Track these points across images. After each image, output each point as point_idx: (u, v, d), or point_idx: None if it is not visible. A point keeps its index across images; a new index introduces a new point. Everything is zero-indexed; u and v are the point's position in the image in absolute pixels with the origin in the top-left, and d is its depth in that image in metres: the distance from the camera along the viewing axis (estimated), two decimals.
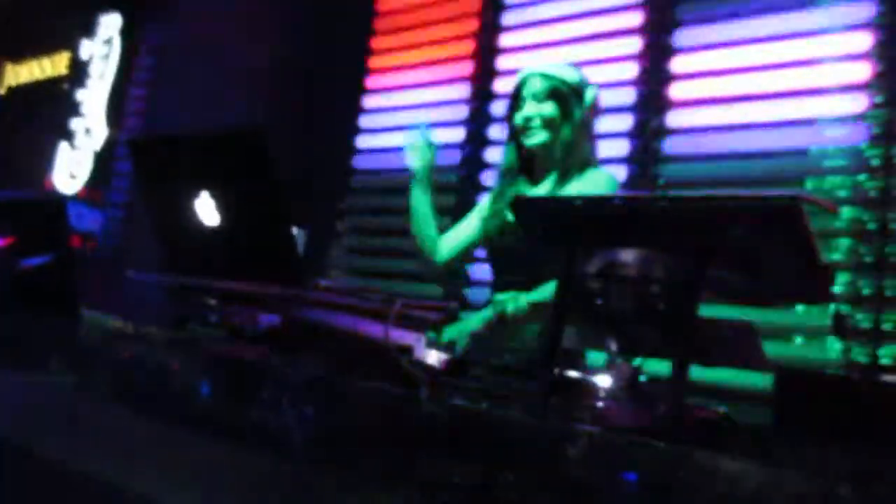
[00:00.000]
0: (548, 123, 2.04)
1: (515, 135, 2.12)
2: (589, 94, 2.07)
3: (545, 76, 2.06)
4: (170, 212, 1.46)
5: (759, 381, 2.26)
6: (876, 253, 2.72)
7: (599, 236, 1.05)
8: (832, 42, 2.92)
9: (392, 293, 1.30)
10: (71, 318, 1.61)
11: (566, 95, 2.04)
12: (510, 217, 2.03)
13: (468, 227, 2.22)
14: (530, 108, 2.06)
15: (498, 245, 2.10)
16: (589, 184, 2.02)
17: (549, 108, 2.05)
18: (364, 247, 4.34)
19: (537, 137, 2.06)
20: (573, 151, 2.04)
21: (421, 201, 2.17)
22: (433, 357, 1.28)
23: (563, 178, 2.05)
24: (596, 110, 2.10)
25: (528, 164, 2.14)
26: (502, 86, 3.82)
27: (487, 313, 1.92)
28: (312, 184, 4.54)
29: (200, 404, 1.30)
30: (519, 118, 2.08)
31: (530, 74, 2.09)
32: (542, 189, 2.09)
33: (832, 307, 0.85)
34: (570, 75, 2.07)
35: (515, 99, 2.11)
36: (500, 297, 1.96)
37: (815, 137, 2.89)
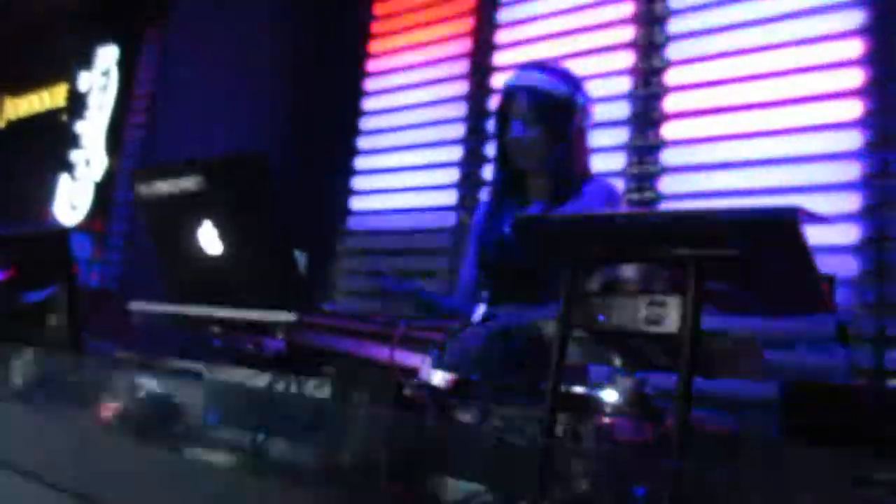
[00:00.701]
0: (537, 146, 1.99)
1: (505, 152, 2.06)
2: (579, 104, 1.99)
3: (531, 92, 1.97)
4: (173, 241, 1.47)
5: (765, 390, 2.25)
6: (876, 258, 2.72)
7: (600, 253, 1.05)
8: (824, 49, 2.93)
9: (395, 315, 1.31)
10: (75, 350, 1.61)
11: (555, 113, 1.96)
12: (506, 232, 2.03)
13: (468, 268, 2.18)
14: (518, 130, 1.98)
15: (494, 261, 2.07)
16: (588, 198, 1.99)
17: (537, 132, 1.97)
18: (365, 268, 4.34)
19: (528, 161, 2.02)
20: (566, 168, 1.99)
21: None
22: (438, 378, 1.28)
23: (559, 192, 2.00)
24: (588, 119, 2.01)
25: (520, 179, 2.10)
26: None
27: (489, 330, 1.90)
28: (311, 207, 4.56)
29: (207, 433, 1.30)
30: (508, 140, 2.02)
31: (516, 89, 2.00)
32: (538, 206, 2.06)
33: (834, 316, 0.85)
34: (558, 89, 1.97)
35: (503, 115, 2.03)
36: (501, 313, 1.96)
37: (811, 145, 2.91)
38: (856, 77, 2.85)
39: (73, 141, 4.90)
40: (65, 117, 5.24)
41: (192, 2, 4.49)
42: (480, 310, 2.14)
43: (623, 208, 2.09)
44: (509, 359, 1.90)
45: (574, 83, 2.01)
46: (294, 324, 1.20)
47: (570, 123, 1.97)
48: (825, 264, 0.91)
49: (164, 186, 1.43)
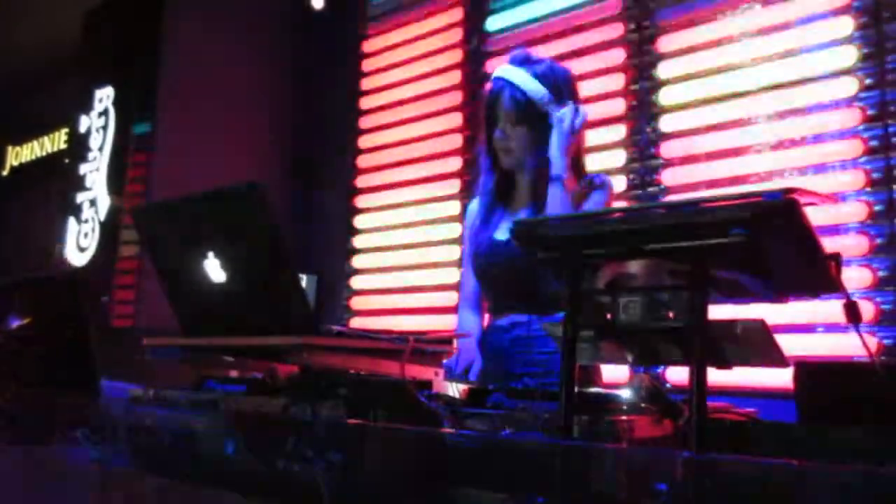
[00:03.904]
0: (520, 147, 1.98)
1: (493, 152, 2.05)
2: (563, 111, 1.94)
3: (513, 92, 1.95)
4: (180, 275, 1.48)
5: (782, 375, 2.24)
6: (887, 233, 2.71)
7: (603, 250, 1.05)
8: (815, 30, 2.93)
9: (405, 331, 1.30)
10: (91, 391, 1.62)
11: (536, 115, 1.95)
12: (499, 236, 2.01)
13: (468, 276, 2.17)
14: (503, 130, 1.98)
15: (487, 266, 2.05)
16: (587, 196, 1.97)
17: (520, 132, 1.97)
18: (373, 287, 4.35)
19: (512, 161, 2.02)
20: (553, 168, 1.94)
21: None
22: (452, 388, 1.28)
23: (543, 193, 1.96)
24: (573, 117, 1.95)
25: (509, 180, 2.08)
26: None
27: (505, 340, 1.89)
28: (318, 230, 4.58)
29: (226, 463, 1.30)
30: (494, 140, 2.01)
31: (502, 86, 1.98)
32: (525, 210, 2.03)
33: (843, 294, 0.84)
34: (539, 90, 1.94)
35: (490, 113, 2.01)
36: (508, 320, 1.96)
37: (810, 126, 2.90)
38: (848, 54, 2.84)
39: (77, 183, 4.93)
40: (67, 160, 5.28)
41: (184, 36, 4.53)
42: (485, 318, 2.13)
43: (615, 201, 2.06)
44: (522, 364, 1.90)
45: (556, 83, 1.98)
46: (304, 347, 1.20)
47: (551, 124, 1.94)
48: (835, 244, 0.91)
49: (165, 222, 1.43)
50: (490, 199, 2.10)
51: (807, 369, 0.89)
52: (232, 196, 1.31)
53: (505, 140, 1.99)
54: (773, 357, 0.95)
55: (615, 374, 2.11)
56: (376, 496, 1.06)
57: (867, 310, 2.67)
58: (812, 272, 0.93)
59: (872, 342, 2.66)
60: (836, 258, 0.93)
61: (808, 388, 0.88)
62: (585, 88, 3.10)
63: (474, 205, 2.16)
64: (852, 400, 0.85)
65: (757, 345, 0.96)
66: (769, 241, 0.89)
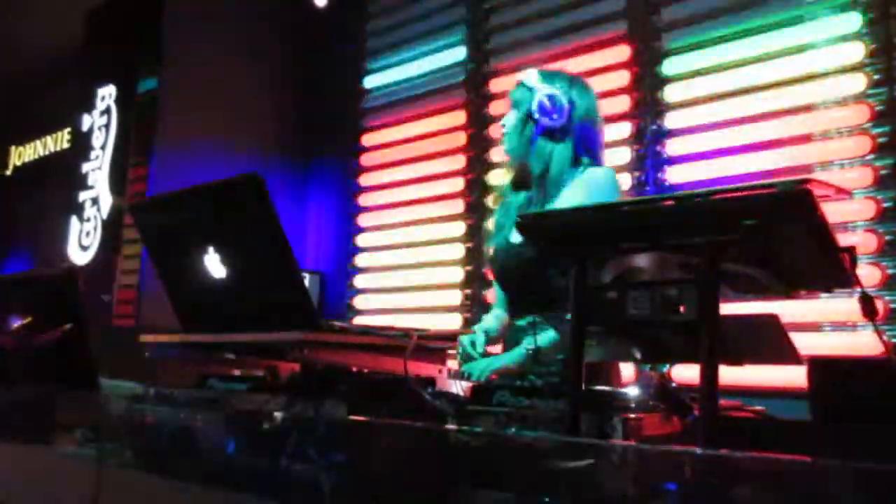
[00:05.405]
0: (511, 131, 2.02)
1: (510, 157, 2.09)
2: (567, 99, 1.99)
3: (519, 87, 2.03)
4: (180, 271, 1.46)
5: (789, 374, 2.21)
6: None
7: (610, 244, 1.03)
8: (824, 26, 2.90)
9: (408, 328, 1.28)
10: (90, 389, 1.60)
11: (526, 102, 1.99)
12: (514, 238, 2.00)
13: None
14: (521, 133, 2.01)
15: (505, 269, 2.04)
16: (585, 185, 1.96)
17: (511, 116, 2.02)
18: (378, 285, 4.33)
19: (505, 144, 2.05)
20: (546, 158, 1.98)
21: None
22: (457, 386, 1.26)
23: (549, 184, 1.98)
24: (576, 112, 1.99)
25: (523, 174, 2.09)
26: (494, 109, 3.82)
27: (519, 352, 1.86)
28: (320, 228, 4.56)
29: (228, 462, 1.28)
30: (513, 147, 2.05)
31: (522, 92, 2.04)
32: (530, 196, 2.04)
33: (858, 291, 0.82)
34: (542, 85, 2.00)
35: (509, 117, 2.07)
36: (522, 322, 1.94)
37: (819, 123, 2.87)
38: (857, 51, 2.81)
39: (79, 181, 4.91)
40: (69, 159, 5.26)
41: (185, 34, 4.51)
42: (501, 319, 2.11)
43: (618, 193, 2.04)
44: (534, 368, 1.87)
45: (561, 81, 2.02)
46: (305, 342, 1.18)
47: (550, 117, 1.97)
48: (843, 242, 0.88)
49: (164, 216, 1.41)
50: (504, 196, 2.11)
51: (821, 366, 0.87)
52: (231, 188, 1.28)
53: (503, 126, 2.02)
54: (787, 353, 0.92)
55: (624, 371, 2.08)
56: (379, 495, 1.04)
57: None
58: (826, 266, 0.91)
59: None
60: (851, 251, 0.90)
61: (823, 385, 0.86)
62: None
63: (497, 209, 2.17)
64: (868, 397, 0.83)
65: (770, 341, 0.93)
66: (782, 233, 0.87)
